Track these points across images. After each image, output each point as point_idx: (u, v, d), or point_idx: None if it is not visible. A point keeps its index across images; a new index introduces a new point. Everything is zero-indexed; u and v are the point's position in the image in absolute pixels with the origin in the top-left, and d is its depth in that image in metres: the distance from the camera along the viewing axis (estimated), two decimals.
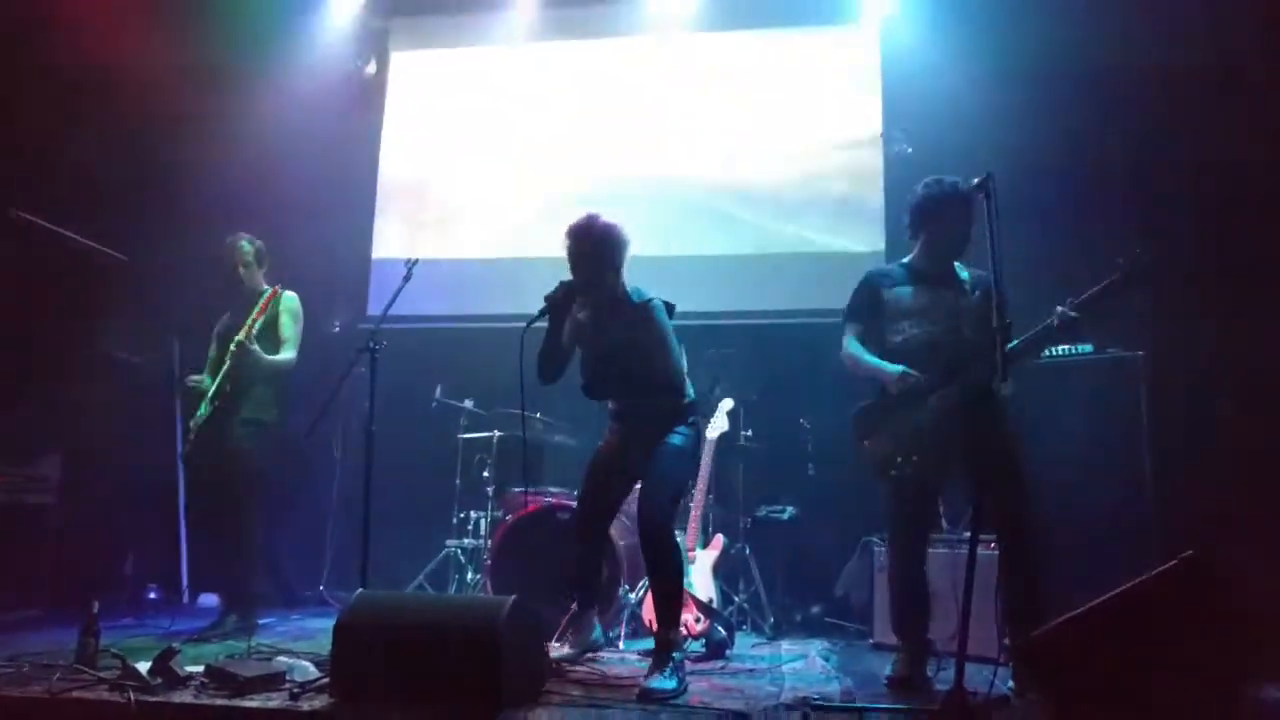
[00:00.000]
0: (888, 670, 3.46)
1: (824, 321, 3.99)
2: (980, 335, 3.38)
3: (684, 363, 3.70)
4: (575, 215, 3.62)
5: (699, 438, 3.74)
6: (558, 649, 3.70)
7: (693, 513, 4.52)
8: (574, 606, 3.79)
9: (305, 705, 2.82)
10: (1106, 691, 2.56)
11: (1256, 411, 4.43)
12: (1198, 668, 2.50)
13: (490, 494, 5.28)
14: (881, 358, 3.51)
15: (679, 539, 4.37)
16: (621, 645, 4.23)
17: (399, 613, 3.08)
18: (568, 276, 3.56)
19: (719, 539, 4.62)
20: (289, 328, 4.58)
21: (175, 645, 3.18)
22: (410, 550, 5.46)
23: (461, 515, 5.42)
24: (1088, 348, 4.38)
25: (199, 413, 4.47)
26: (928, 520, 3.66)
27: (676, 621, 3.44)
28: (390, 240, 6.50)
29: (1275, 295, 4.54)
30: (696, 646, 4.07)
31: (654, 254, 5.87)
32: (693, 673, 3.51)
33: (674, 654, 3.30)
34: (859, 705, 3.01)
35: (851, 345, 3.60)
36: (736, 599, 4.84)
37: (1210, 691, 2.50)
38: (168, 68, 5.75)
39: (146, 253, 5.74)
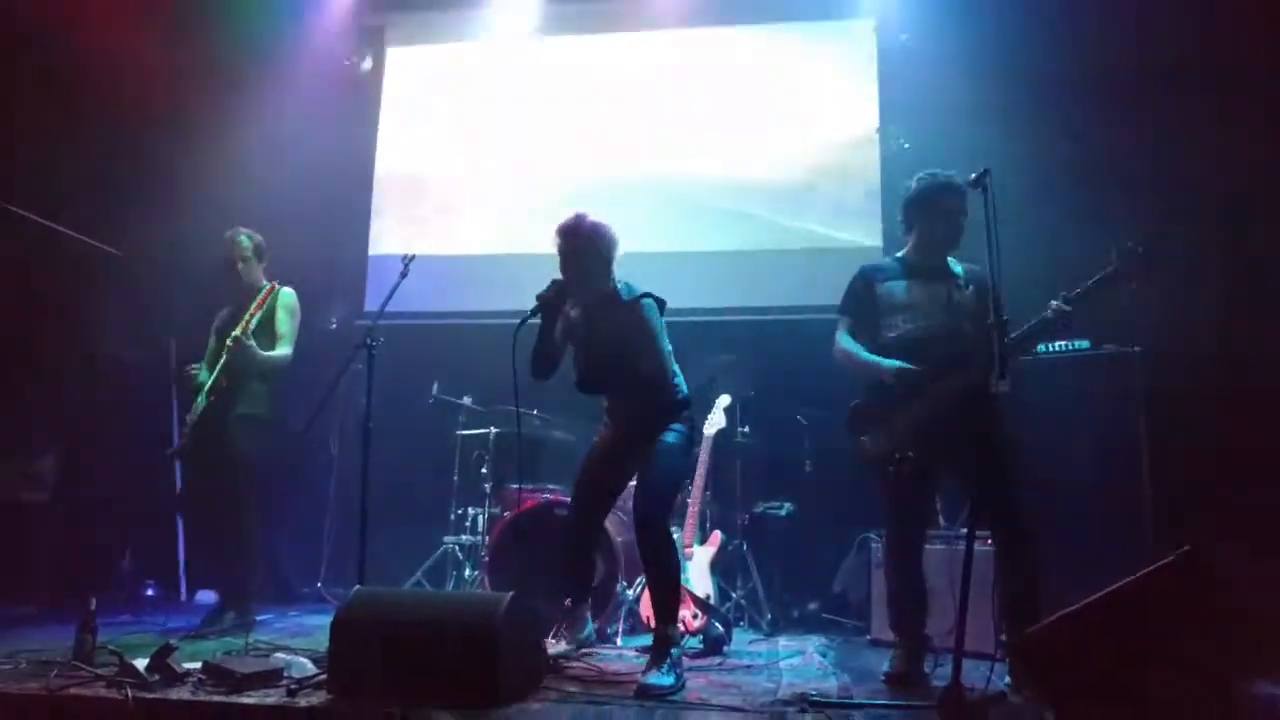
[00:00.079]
0: (885, 666, 3.47)
1: (821, 318, 3.98)
2: (975, 330, 3.39)
3: (673, 361, 3.70)
4: (571, 211, 3.64)
5: (693, 435, 3.76)
6: (555, 645, 3.71)
7: (690, 509, 4.53)
8: (567, 602, 3.81)
9: (303, 701, 2.82)
10: (1102, 688, 2.56)
11: (1253, 407, 4.43)
12: (1193, 664, 2.51)
13: (488, 490, 5.28)
14: (875, 353, 3.51)
15: (675, 536, 4.38)
16: (619, 641, 4.24)
17: (396, 609, 3.08)
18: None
19: (717, 535, 4.62)
20: (285, 324, 4.58)
21: (173, 642, 3.18)
22: (408, 547, 5.46)
23: (459, 512, 5.42)
24: (1084, 344, 4.39)
25: (195, 406, 4.47)
26: (925, 516, 3.67)
27: (674, 618, 3.45)
28: (387, 236, 6.49)
29: (1272, 291, 4.55)
30: (694, 643, 4.07)
31: (651, 250, 5.88)
32: (690, 669, 3.51)
33: (672, 650, 3.31)
34: (856, 701, 3.01)
35: (844, 340, 3.60)
36: (734, 595, 4.84)
37: (1206, 688, 2.50)
38: (164, 64, 5.74)
39: (142, 249, 5.74)
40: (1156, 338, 4.37)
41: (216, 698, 2.85)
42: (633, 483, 3.72)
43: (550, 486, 4.95)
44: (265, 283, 4.63)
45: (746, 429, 5.19)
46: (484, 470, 5.34)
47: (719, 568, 4.60)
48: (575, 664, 3.60)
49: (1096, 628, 2.60)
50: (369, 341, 3.87)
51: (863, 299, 3.61)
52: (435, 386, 5.51)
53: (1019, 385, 3.11)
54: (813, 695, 3.01)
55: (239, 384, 4.44)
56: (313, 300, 4.88)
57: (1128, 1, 5.18)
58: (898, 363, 3.40)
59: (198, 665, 3.08)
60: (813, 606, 5.10)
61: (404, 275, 4.10)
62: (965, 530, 3.14)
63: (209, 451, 4.42)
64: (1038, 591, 3.21)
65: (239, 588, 4.44)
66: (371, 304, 6.19)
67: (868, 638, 4.45)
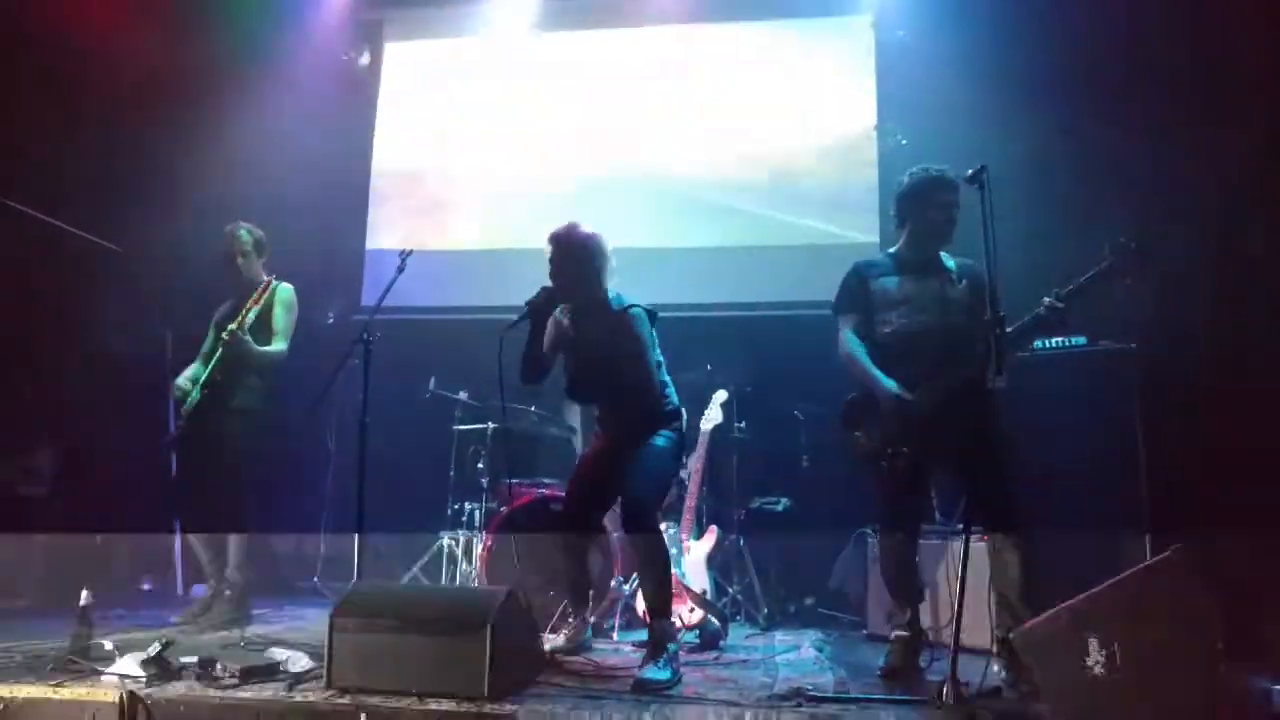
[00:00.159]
0: (881, 661, 3.48)
1: (818, 313, 3.99)
2: (968, 326, 3.39)
3: (665, 372, 3.73)
4: (569, 207, 3.66)
5: (683, 442, 3.80)
6: (552, 640, 3.73)
7: (687, 504, 4.53)
8: (565, 608, 3.84)
9: (300, 696, 2.83)
10: (1097, 683, 2.57)
11: (1249, 403, 4.44)
12: (1188, 658, 2.52)
13: (485, 485, 5.28)
14: (870, 349, 3.51)
15: (672, 531, 4.40)
16: (615, 636, 4.25)
17: (393, 603, 3.08)
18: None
19: (713, 530, 4.62)
20: (282, 319, 4.57)
21: (170, 637, 3.18)
22: (405, 542, 5.46)
23: (456, 507, 5.42)
24: (1081, 340, 4.39)
25: (189, 398, 4.46)
26: (919, 511, 3.67)
27: (668, 612, 3.46)
28: (384, 231, 6.49)
29: (1268, 287, 4.55)
30: (691, 637, 4.08)
31: (649, 245, 5.89)
32: (686, 664, 3.51)
33: (668, 645, 3.31)
34: (852, 696, 3.01)
35: (851, 343, 3.57)
36: (730, 590, 4.85)
37: (1200, 682, 2.51)
38: (161, 61, 5.74)
39: (140, 245, 5.73)
40: (1152, 334, 4.37)
41: (213, 692, 2.85)
42: None
43: (546, 481, 4.95)
44: (264, 277, 4.63)
45: (743, 424, 5.19)
46: (480, 465, 5.33)
47: (715, 563, 4.61)
48: (572, 658, 3.61)
49: (1092, 623, 2.61)
50: (365, 336, 3.87)
51: (859, 295, 3.60)
52: (432, 381, 5.50)
53: (1015, 381, 3.11)
54: (809, 690, 3.01)
55: (234, 378, 4.44)
56: (310, 295, 4.87)
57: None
58: (896, 388, 3.37)
59: (194, 660, 3.08)
60: (809, 601, 5.12)
61: (401, 270, 4.11)
62: (961, 526, 3.14)
63: (204, 445, 4.41)
64: (1033, 587, 3.21)
65: (235, 581, 4.44)
66: (368, 299, 6.19)
67: (864, 632, 4.47)
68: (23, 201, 5.06)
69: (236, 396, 4.44)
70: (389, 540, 5.38)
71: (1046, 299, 3.27)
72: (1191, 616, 2.55)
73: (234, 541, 4.41)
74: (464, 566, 5.25)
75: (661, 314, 3.76)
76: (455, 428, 5.52)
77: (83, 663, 3.12)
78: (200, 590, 5.30)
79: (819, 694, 2.98)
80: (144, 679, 2.93)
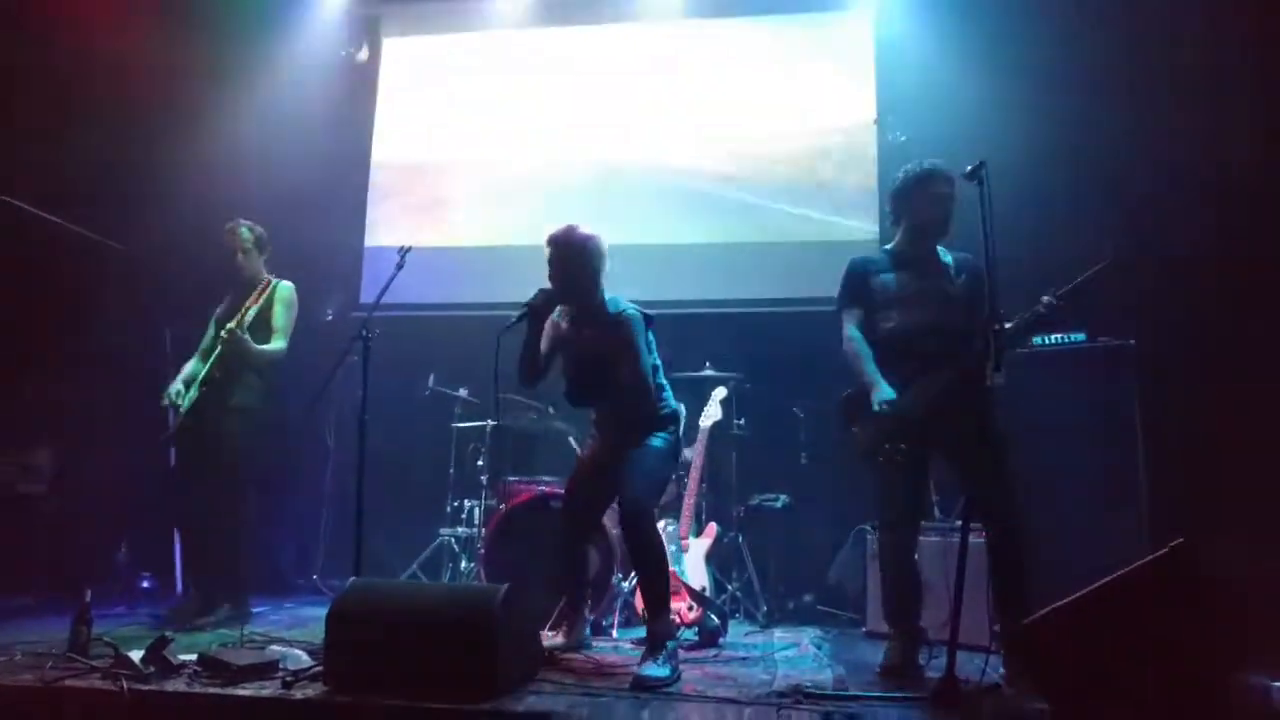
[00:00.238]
0: (880, 658, 3.48)
1: (817, 310, 3.99)
2: (967, 322, 3.39)
3: (661, 375, 3.74)
4: (568, 203, 3.65)
5: (679, 445, 3.81)
6: (551, 638, 3.73)
7: (686, 501, 4.54)
8: (563, 606, 3.86)
9: (298, 694, 2.82)
10: (1096, 679, 2.57)
11: (1248, 399, 4.44)
12: (1186, 655, 2.51)
13: (484, 482, 5.28)
14: (872, 345, 3.51)
15: (671, 528, 4.40)
16: (615, 634, 4.25)
17: (392, 601, 3.08)
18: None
19: (712, 527, 4.63)
20: (281, 317, 4.57)
21: (168, 634, 3.18)
22: (404, 539, 5.47)
23: (455, 504, 5.42)
24: (1080, 336, 4.39)
25: (187, 396, 4.45)
26: (918, 508, 3.67)
27: (666, 609, 3.46)
28: (383, 228, 6.48)
29: (1266, 283, 4.55)
30: (689, 634, 4.08)
31: (648, 241, 5.88)
32: (685, 661, 3.52)
33: (667, 642, 3.32)
34: (851, 693, 3.02)
35: (856, 340, 3.56)
36: (729, 587, 4.85)
37: (1199, 679, 2.51)
38: (160, 57, 5.72)
39: (138, 242, 5.71)
40: (1151, 330, 4.37)
41: (212, 690, 2.85)
42: None
43: (545, 479, 4.95)
44: (265, 275, 4.63)
45: (742, 421, 5.19)
46: (480, 463, 5.33)
47: (714, 560, 4.61)
48: (571, 656, 3.62)
49: (1090, 619, 2.61)
50: (365, 333, 3.86)
51: (861, 291, 3.59)
52: (431, 379, 5.51)
53: (1014, 377, 3.11)
54: (808, 687, 3.02)
55: (234, 376, 4.44)
56: (308, 292, 4.87)
57: None
58: (891, 395, 3.37)
59: (193, 657, 3.08)
60: (808, 598, 5.12)
61: (400, 267, 4.10)
62: (960, 523, 3.14)
63: (203, 443, 4.40)
64: (1031, 584, 3.21)
65: (234, 579, 4.44)
66: (367, 295, 6.18)
67: (863, 630, 4.47)
68: (21, 198, 5.04)
69: (235, 395, 4.44)
70: (388, 538, 5.38)
71: (1045, 298, 3.27)
72: (1191, 612, 2.55)
73: (233, 539, 4.41)
74: (463, 564, 5.26)
75: (660, 311, 3.76)
76: (455, 425, 5.52)
77: (82, 660, 3.11)
78: None
79: (818, 691, 2.99)
80: (143, 676, 2.93)
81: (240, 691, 2.84)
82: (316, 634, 3.20)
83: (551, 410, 5.22)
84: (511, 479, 4.99)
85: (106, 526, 5.47)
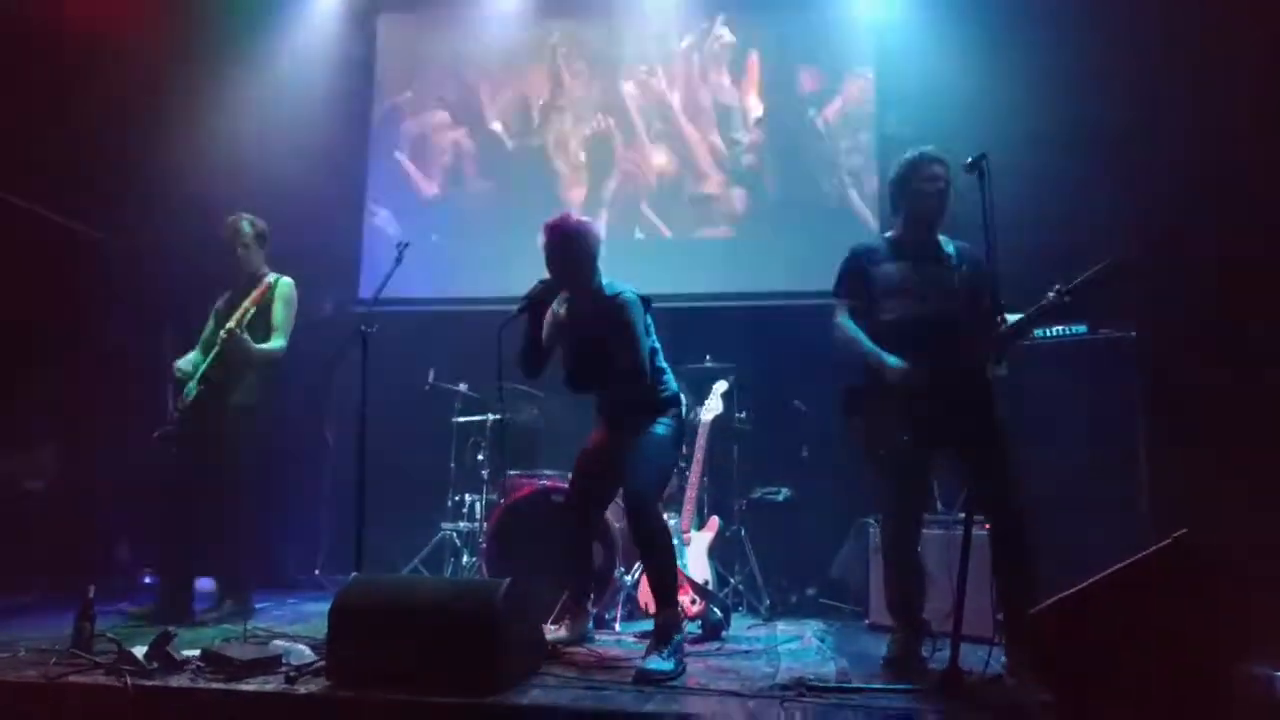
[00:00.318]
0: (883, 651, 3.48)
1: (818, 303, 3.97)
2: (969, 313, 3.37)
3: (661, 358, 3.72)
4: (569, 198, 3.65)
5: (682, 429, 3.79)
6: (554, 631, 3.73)
7: (688, 494, 4.53)
8: (567, 598, 3.85)
9: (301, 689, 2.82)
10: (1099, 670, 2.57)
11: (1251, 389, 4.44)
12: (1190, 646, 2.52)
13: (485, 477, 5.28)
14: (871, 337, 3.47)
15: (673, 522, 4.39)
16: (618, 627, 4.25)
17: (395, 595, 3.08)
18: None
19: (714, 521, 4.63)
20: (281, 315, 4.55)
21: (171, 629, 3.18)
22: (405, 534, 5.46)
23: (456, 499, 5.42)
24: (1082, 328, 4.38)
25: (186, 391, 4.44)
26: (921, 500, 3.66)
27: (673, 602, 3.45)
28: (381, 221, 6.47)
29: (1268, 273, 4.55)
30: (692, 628, 4.08)
31: (647, 236, 5.87)
32: (688, 654, 3.51)
33: (673, 635, 3.31)
34: (854, 686, 3.02)
35: (847, 324, 3.53)
36: (732, 581, 4.85)
37: (1202, 669, 2.51)
38: (157, 47, 5.71)
39: (137, 236, 5.71)
40: (1153, 321, 4.36)
41: (215, 685, 2.85)
42: None
43: (546, 473, 4.95)
44: (265, 270, 4.61)
45: (744, 414, 5.19)
46: (480, 457, 5.33)
47: (717, 553, 4.61)
48: (574, 649, 3.62)
49: (1094, 611, 2.61)
50: (364, 328, 3.86)
51: (859, 280, 3.56)
52: (431, 373, 5.50)
53: (1015, 369, 3.10)
54: (811, 680, 3.02)
55: (233, 375, 4.43)
56: (306, 286, 4.86)
57: None
58: (900, 363, 3.34)
59: (196, 653, 3.08)
60: (811, 592, 5.12)
61: (399, 261, 4.09)
62: (963, 515, 3.14)
63: (203, 442, 4.39)
64: (1034, 575, 3.21)
65: (236, 575, 4.44)
66: (366, 290, 6.17)
67: (866, 622, 4.47)
68: (20, 195, 5.04)
69: (234, 394, 4.43)
70: (389, 533, 5.38)
71: (1051, 293, 3.25)
72: (1194, 603, 2.55)
73: (234, 536, 4.41)
74: (465, 558, 5.26)
75: (661, 304, 3.76)
76: (455, 419, 5.52)
77: (86, 656, 3.12)
78: (205, 584, 5.31)
79: (822, 684, 2.99)
80: (147, 672, 2.93)
81: (244, 687, 2.84)
82: (319, 629, 3.20)
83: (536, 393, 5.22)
84: (512, 473, 4.98)
85: (109, 523, 5.47)
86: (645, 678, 3.05)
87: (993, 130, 4.65)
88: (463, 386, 5.49)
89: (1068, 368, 4.34)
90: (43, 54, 5.48)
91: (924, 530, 3.71)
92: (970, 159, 3.09)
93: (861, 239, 3.73)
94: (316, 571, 5.70)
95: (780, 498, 5.17)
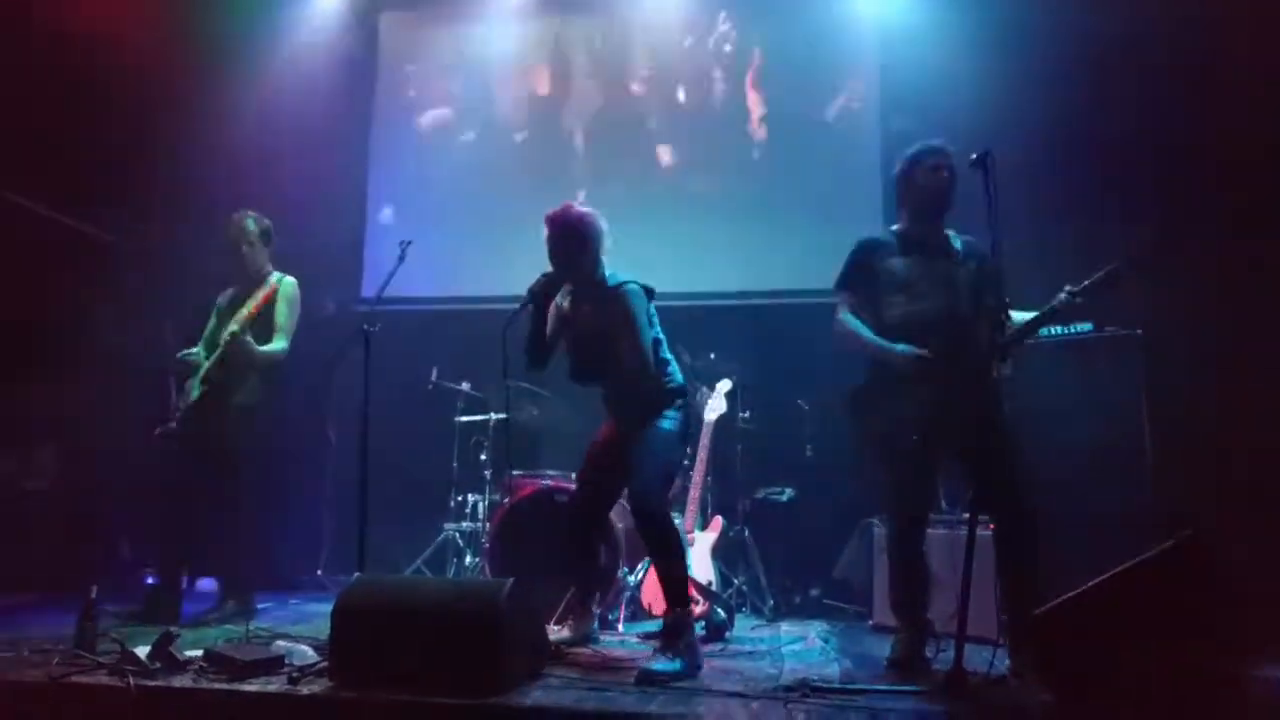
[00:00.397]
0: (887, 652, 3.46)
1: (822, 301, 3.96)
2: (976, 310, 3.35)
3: (665, 349, 3.70)
4: (571, 193, 3.65)
5: (688, 422, 3.74)
6: (557, 632, 3.72)
7: (691, 494, 4.53)
8: (572, 595, 3.84)
9: (304, 689, 2.82)
10: (1104, 671, 2.56)
11: (1255, 387, 4.42)
12: (1195, 647, 2.50)
13: (488, 477, 5.27)
14: (877, 333, 3.44)
15: (677, 522, 4.38)
16: (621, 627, 4.24)
17: (397, 596, 3.07)
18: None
19: (718, 521, 4.62)
20: (284, 315, 4.54)
21: (174, 630, 3.18)
22: (408, 534, 5.45)
23: (459, 499, 5.42)
24: (1087, 326, 4.37)
25: (187, 389, 4.44)
26: (927, 500, 3.64)
27: (685, 600, 3.42)
28: (384, 219, 6.46)
29: (1273, 270, 4.53)
30: (696, 629, 4.07)
31: (650, 232, 5.86)
32: None
33: (682, 636, 3.28)
34: (858, 687, 3.00)
35: (848, 319, 3.50)
36: (736, 581, 4.84)
37: (1207, 670, 2.50)
38: (158, 48, 5.70)
39: (139, 235, 5.70)
40: (1158, 319, 4.35)
41: (218, 685, 2.85)
42: None
43: (550, 473, 4.94)
44: (269, 269, 4.60)
45: (747, 414, 5.18)
46: (483, 457, 5.32)
47: (720, 553, 4.61)
48: (578, 650, 3.61)
49: (1099, 612, 2.60)
50: (366, 327, 3.85)
51: (865, 273, 3.52)
52: (434, 372, 5.49)
53: (1020, 367, 3.09)
54: (815, 681, 3.00)
55: (235, 377, 4.42)
56: (309, 284, 4.86)
57: None
58: (910, 349, 3.31)
59: (199, 653, 3.07)
60: (815, 592, 5.11)
61: (401, 259, 4.09)
62: (967, 515, 3.13)
63: (205, 443, 4.38)
64: (1039, 575, 3.20)
65: (238, 575, 4.44)
66: (369, 288, 6.17)
67: (870, 623, 4.46)
68: (21, 193, 5.03)
69: (236, 395, 4.43)
70: (392, 533, 5.37)
71: (1063, 294, 3.24)
72: (1198, 604, 2.54)
73: (235, 536, 4.41)
74: (468, 559, 5.26)
75: (663, 302, 3.74)
76: (458, 419, 5.51)
77: (88, 656, 3.11)
78: (206, 584, 5.31)
79: (825, 685, 2.97)
80: (150, 672, 2.93)
81: (246, 687, 2.83)
82: (322, 629, 3.20)
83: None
84: (515, 473, 4.97)
85: (111, 523, 5.47)
86: (648, 678, 3.04)
87: (997, 127, 4.63)
88: (465, 386, 5.49)
89: (1072, 365, 4.33)
90: (47, 56, 5.48)
91: (929, 530, 3.70)
92: (975, 155, 3.08)
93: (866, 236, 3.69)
94: (319, 572, 5.69)
95: (784, 498, 5.16)
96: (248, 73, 6.10)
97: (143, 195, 5.78)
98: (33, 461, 5.25)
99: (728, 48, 6.27)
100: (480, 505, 5.25)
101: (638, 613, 4.36)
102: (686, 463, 4.51)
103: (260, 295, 4.46)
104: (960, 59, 5.41)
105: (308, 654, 3.16)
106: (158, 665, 2.98)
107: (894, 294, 3.45)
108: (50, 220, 5.20)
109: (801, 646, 3.94)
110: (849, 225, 5.72)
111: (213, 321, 4.62)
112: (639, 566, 4.35)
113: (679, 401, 3.65)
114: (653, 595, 4.16)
